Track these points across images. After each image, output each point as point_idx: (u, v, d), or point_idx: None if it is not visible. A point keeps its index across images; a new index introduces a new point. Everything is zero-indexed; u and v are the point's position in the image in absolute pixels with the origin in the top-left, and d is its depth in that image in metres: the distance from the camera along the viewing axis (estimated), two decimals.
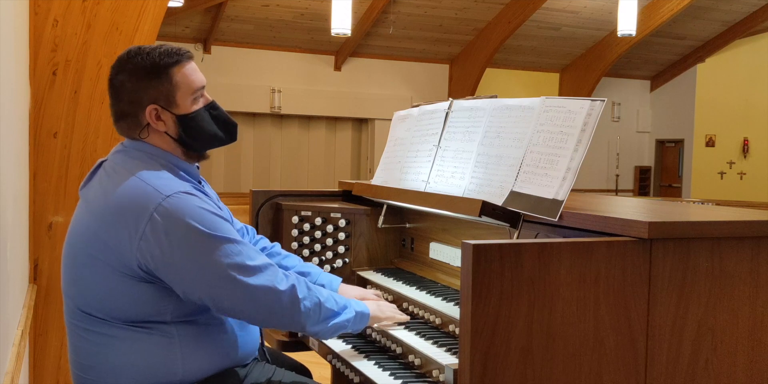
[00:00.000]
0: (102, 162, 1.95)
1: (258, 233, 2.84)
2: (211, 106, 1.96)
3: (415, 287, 2.39)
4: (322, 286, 2.28)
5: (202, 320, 1.87)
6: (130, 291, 1.78)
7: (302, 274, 2.31)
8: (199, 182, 1.99)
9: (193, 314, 1.86)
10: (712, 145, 13.79)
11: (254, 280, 1.78)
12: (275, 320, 1.86)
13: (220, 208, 1.90)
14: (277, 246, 2.44)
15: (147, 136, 1.89)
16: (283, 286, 1.83)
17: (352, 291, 2.32)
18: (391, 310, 2.19)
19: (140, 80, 1.85)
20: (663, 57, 13.93)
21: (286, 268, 2.29)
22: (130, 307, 1.80)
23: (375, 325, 2.15)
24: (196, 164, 2.01)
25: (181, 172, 1.91)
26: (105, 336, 1.82)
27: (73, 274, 1.87)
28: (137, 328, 1.81)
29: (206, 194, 1.90)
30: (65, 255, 1.91)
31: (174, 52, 1.88)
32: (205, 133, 1.94)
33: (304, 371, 2.32)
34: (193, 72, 1.91)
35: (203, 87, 1.94)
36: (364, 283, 2.63)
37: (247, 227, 2.40)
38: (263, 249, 2.37)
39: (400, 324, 2.18)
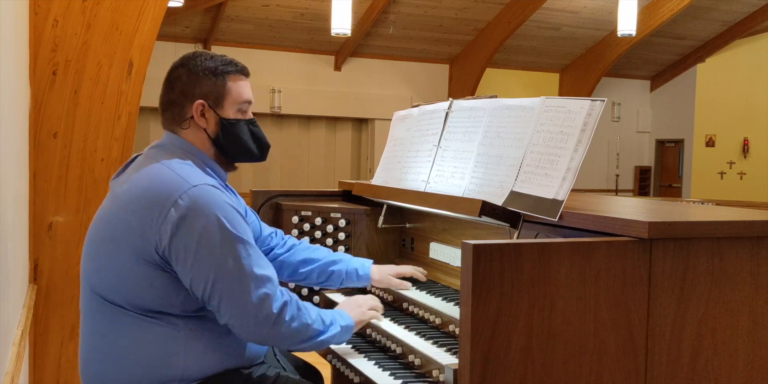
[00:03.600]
0: (137, 156, 2.02)
1: None
2: (252, 123, 2.07)
3: (415, 287, 2.39)
4: (355, 270, 2.37)
5: (210, 317, 1.87)
6: (145, 277, 1.81)
7: (333, 262, 2.38)
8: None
9: (202, 310, 1.87)
10: (712, 145, 13.78)
11: (252, 290, 1.80)
12: (257, 333, 1.84)
13: (245, 210, 1.95)
14: (305, 242, 2.49)
15: (188, 127, 1.98)
16: (276, 303, 1.83)
17: (387, 269, 2.41)
18: (369, 304, 2.19)
19: (197, 75, 1.97)
20: (663, 57, 13.92)
21: (315, 261, 2.37)
22: (142, 293, 1.82)
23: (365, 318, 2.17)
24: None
25: (208, 169, 1.97)
26: (114, 322, 1.85)
27: (94, 258, 1.90)
28: (147, 317, 1.83)
29: (233, 192, 1.98)
30: (88, 240, 1.95)
31: (235, 63, 2.04)
32: (240, 142, 2.02)
33: (314, 374, 2.32)
34: (246, 86, 2.04)
35: (250, 102, 2.05)
36: None
37: (276, 231, 2.44)
38: (292, 246, 2.41)
39: (387, 316, 2.20)
